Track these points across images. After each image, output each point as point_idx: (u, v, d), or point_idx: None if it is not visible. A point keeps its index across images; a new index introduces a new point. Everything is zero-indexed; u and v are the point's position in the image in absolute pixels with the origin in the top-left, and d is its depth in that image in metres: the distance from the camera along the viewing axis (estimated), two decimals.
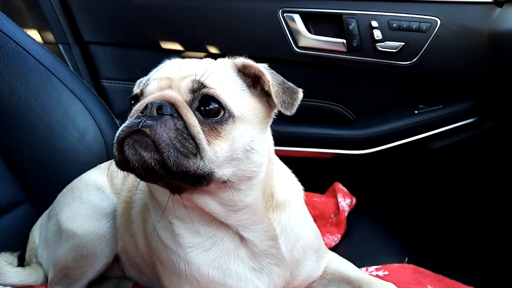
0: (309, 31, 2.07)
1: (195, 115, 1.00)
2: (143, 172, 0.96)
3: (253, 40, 2.15)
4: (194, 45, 2.23)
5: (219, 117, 1.01)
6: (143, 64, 2.27)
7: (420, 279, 1.40)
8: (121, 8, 2.24)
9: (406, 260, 1.54)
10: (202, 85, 1.02)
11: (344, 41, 2.03)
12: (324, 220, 1.87)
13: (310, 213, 1.82)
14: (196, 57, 2.18)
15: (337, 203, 1.93)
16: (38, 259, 1.62)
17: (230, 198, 1.08)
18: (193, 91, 1.02)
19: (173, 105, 0.99)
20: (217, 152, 0.99)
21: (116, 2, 2.25)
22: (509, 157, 2.05)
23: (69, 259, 1.43)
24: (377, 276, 1.42)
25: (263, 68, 1.10)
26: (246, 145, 1.04)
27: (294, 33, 2.08)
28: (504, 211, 2.20)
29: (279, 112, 1.12)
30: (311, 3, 2.07)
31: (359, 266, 1.40)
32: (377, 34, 1.99)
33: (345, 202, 1.92)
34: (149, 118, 0.95)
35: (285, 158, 1.84)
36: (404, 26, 1.97)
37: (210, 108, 1.01)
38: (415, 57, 2.00)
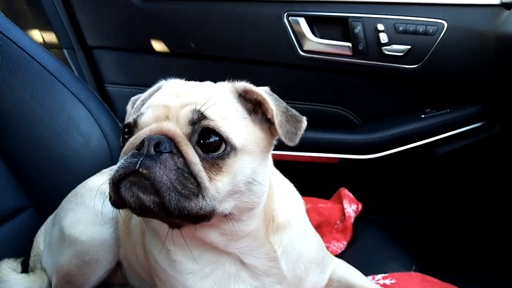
0: (315, 35, 2.06)
1: (195, 150, 0.94)
2: (141, 212, 0.92)
3: (258, 44, 2.14)
4: (198, 49, 2.22)
5: (220, 152, 0.95)
6: (148, 69, 2.31)
7: (428, 287, 1.38)
8: (125, 12, 2.24)
9: (413, 268, 1.52)
10: (202, 116, 0.95)
11: (350, 44, 2.02)
12: (330, 226, 1.85)
13: (316, 219, 1.82)
14: (200, 61, 2.22)
15: (343, 209, 1.91)
16: (43, 265, 1.61)
17: (231, 229, 1.05)
18: (193, 122, 0.95)
19: (171, 140, 0.93)
20: (219, 188, 0.95)
21: (120, 7, 2.24)
22: None
23: (71, 265, 1.42)
24: (383, 284, 1.40)
25: (265, 94, 1.04)
26: (248, 177, 0.99)
27: (299, 37, 2.07)
28: None
29: None
30: (316, 7, 2.05)
31: (366, 274, 1.38)
32: (383, 37, 1.97)
33: (351, 208, 1.90)
34: (146, 157, 0.89)
35: (290, 163, 1.83)
36: (411, 29, 1.95)
37: (210, 141, 0.95)
38: (421, 61, 1.97)
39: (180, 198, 0.88)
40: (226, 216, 1.00)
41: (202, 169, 0.93)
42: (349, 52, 2.03)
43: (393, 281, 1.41)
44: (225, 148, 0.95)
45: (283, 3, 2.07)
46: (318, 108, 2.24)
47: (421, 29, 1.94)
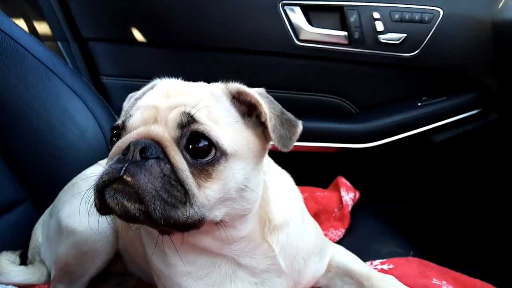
0: (310, 24, 2.05)
1: (184, 156, 0.90)
2: (127, 219, 0.90)
3: (254, 33, 2.13)
4: (193, 40, 2.20)
5: (209, 158, 0.91)
6: (142, 60, 2.30)
7: (426, 272, 1.39)
8: (119, 4, 2.22)
9: (411, 253, 1.53)
10: (191, 119, 0.91)
11: (346, 33, 2.01)
12: (328, 214, 1.85)
13: (313, 207, 1.82)
14: (196, 52, 2.21)
15: (340, 198, 1.91)
16: (41, 257, 1.61)
17: (224, 235, 1.01)
18: (182, 126, 0.91)
19: (159, 144, 0.90)
20: (209, 195, 0.91)
21: None
22: None
23: (70, 256, 1.42)
24: (382, 269, 1.41)
25: (259, 97, 1.00)
26: (240, 184, 0.95)
27: (294, 26, 2.06)
28: (508, 204, 2.18)
29: None
30: None
31: (364, 260, 1.39)
32: (379, 25, 1.97)
33: (349, 196, 1.91)
34: (132, 164, 0.86)
35: (287, 153, 1.82)
36: (406, 17, 1.95)
37: (199, 146, 0.91)
38: (417, 49, 1.98)
39: (166, 207, 0.85)
40: (217, 223, 0.98)
41: (190, 176, 0.89)
42: (345, 41, 2.03)
43: (391, 266, 1.42)
44: (215, 153, 0.91)
45: None
46: (314, 98, 2.24)
47: (417, 17, 1.94)
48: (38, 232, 1.65)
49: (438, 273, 1.39)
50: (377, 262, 1.47)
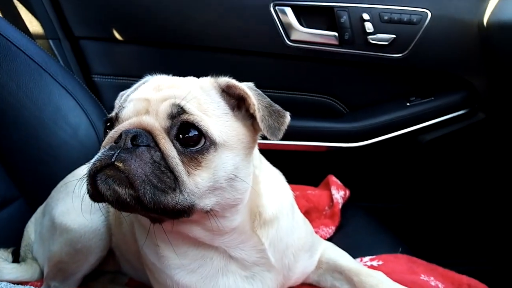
0: (301, 24, 2.07)
1: (174, 144, 0.93)
2: (119, 206, 0.91)
3: (245, 34, 2.15)
4: (185, 39, 2.21)
5: (199, 146, 0.94)
6: (135, 59, 2.30)
7: (414, 268, 1.42)
8: (111, 2, 2.21)
9: (399, 250, 1.55)
10: (181, 110, 0.95)
11: (336, 34, 2.03)
12: (318, 212, 1.88)
13: (304, 205, 1.84)
14: (187, 52, 2.21)
15: (331, 196, 1.94)
16: (34, 255, 1.61)
17: (214, 225, 1.03)
18: (172, 116, 0.95)
19: (149, 133, 0.93)
20: (198, 183, 0.93)
21: None
22: (500, 148, 2.07)
23: (63, 253, 1.42)
24: (371, 266, 1.44)
25: (248, 89, 1.03)
26: (229, 173, 0.98)
27: (286, 27, 2.07)
28: (494, 202, 2.22)
29: None
30: None
31: (354, 257, 1.42)
32: (369, 26, 1.99)
33: (339, 194, 1.93)
34: (123, 150, 0.89)
35: (278, 151, 1.84)
36: (395, 18, 1.98)
37: (189, 136, 0.94)
38: (406, 50, 2.01)
39: (156, 192, 0.87)
40: (208, 213, 1.00)
41: (180, 163, 0.92)
42: (335, 42, 2.05)
43: (380, 263, 1.45)
44: (205, 142, 0.94)
45: None
46: (305, 98, 2.26)
47: (405, 18, 1.97)
48: (31, 230, 1.65)
49: (426, 269, 1.42)
50: (366, 258, 1.50)
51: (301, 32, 2.07)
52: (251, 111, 1.03)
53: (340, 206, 1.88)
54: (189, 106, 0.96)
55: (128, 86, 1.22)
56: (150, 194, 0.87)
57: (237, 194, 1.02)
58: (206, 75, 1.14)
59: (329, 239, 1.69)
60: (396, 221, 2.22)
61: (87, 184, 0.93)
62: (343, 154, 2.18)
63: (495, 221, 2.26)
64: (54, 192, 1.58)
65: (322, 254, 1.38)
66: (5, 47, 1.73)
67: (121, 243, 1.48)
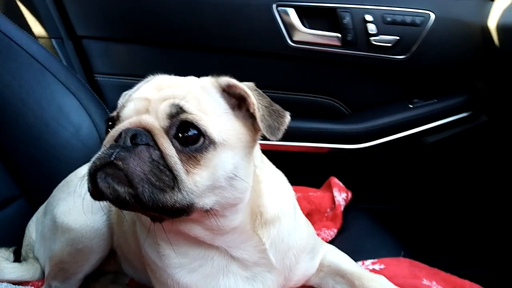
0: (304, 25, 2.06)
1: (173, 143, 0.94)
2: (119, 204, 0.92)
3: (248, 34, 2.14)
4: (188, 39, 2.21)
5: (198, 145, 0.94)
6: (137, 59, 2.30)
7: (416, 272, 1.41)
8: (114, 2, 2.22)
9: (402, 254, 1.55)
10: (181, 110, 0.95)
11: (339, 35, 2.03)
12: (320, 214, 1.87)
13: (306, 207, 1.84)
14: (190, 52, 2.21)
15: (333, 198, 1.93)
16: (35, 254, 1.61)
17: (215, 224, 1.03)
18: (171, 116, 0.95)
19: (149, 132, 0.93)
20: (197, 181, 0.93)
21: None
22: (503, 151, 2.07)
23: (65, 253, 1.42)
24: (373, 270, 1.43)
25: (248, 88, 1.03)
26: (229, 173, 0.98)
27: (288, 27, 2.07)
28: (498, 205, 2.21)
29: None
30: None
31: (356, 260, 1.41)
32: (372, 28, 1.99)
33: (341, 196, 1.92)
34: (122, 149, 0.90)
35: (280, 153, 1.84)
36: (399, 20, 1.97)
37: (188, 135, 0.94)
38: (409, 51, 2.00)
39: (154, 190, 0.88)
40: (208, 212, 1.00)
41: (179, 162, 0.92)
42: (338, 43, 2.05)
43: (382, 266, 1.44)
44: (204, 141, 0.95)
45: None
46: (307, 99, 2.25)
47: (408, 20, 1.96)
48: (32, 229, 1.65)
49: (428, 274, 1.41)
50: (368, 262, 1.49)
51: (304, 33, 2.07)
52: (251, 110, 1.03)
53: (342, 208, 1.87)
54: (188, 105, 0.96)
55: (130, 86, 1.21)
56: (149, 192, 0.87)
57: (237, 193, 1.02)
58: (208, 75, 1.14)
59: (331, 242, 1.69)
60: (399, 223, 2.21)
61: (88, 182, 0.93)
62: (345, 156, 2.17)
63: (498, 224, 2.25)
64: (55, 191, 1.58)
65: (324, 257, 1.37)
66: (8, 46, 1.73)
67: (122, 242, 1.48)
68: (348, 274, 1.29)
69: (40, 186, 1.74)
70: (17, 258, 1.64)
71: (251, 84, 1.08)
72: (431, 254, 1.93)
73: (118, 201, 0.91)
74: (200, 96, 1.01)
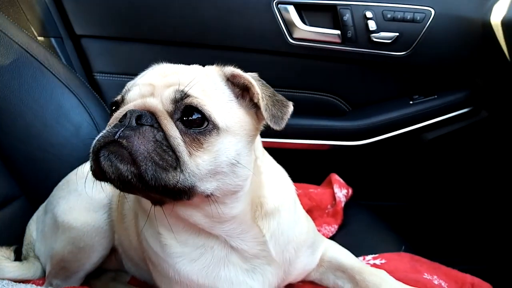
0: (304, 23, 2.06)
1: (177, 126, 0.96)
2: (120, 184, 0.92)
3: (248, 32, 2.14)
4: (187, 37, 2.21)
5: (202, 128, 0.96)
6: (136, 57, 2.29)
7: (417, 267, 1.41)
8: (113, 0, 2.21)
9: (402, 248, 1.55)
10: (185, 95, 0.97)
11: (339, 32, 2.02)
12: (321, 211, 1.87)
13: (307, 204, 1.84)
14: (189, 50, 2.21)
15: (333, 194, 1.93)
16: (35, 253, 1.61)
17: (215, 211, 1.04)
18: (176, 101, 0.97)
19: (153, 115, 0.95)
20: (199, 164, 0.95)
21: None
22: (503, 146, 2.06)
23: (66, 252, 1.43)
24: (374, 264, 1.43)
25: (252, 78, 1.05)
26: (231, 159, 0.99)
27: (288, 25, 2.07)
28: (498, 200, 2.21)
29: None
30: None
31: (357, 255, 1.41)
32: (372, 25, 1.99)
33: (342, 192, 1.92)
34: (127, 128, 0.91)
35: (281, 150, 1.83)
36: (399, 16, 1.97)
37: (192, 118, 0.96)
38: (409, 48, 2.00)
39: (157, 169, 0.89)
40: (208, 197, 1.01)
41: (182, 143, 0.94)
42: (338, 40, 2.04)
43: (383, 261, 1.44)
44: (207, 125, 0.96)
45: None
46: (307, 96, 2.25)
47: (409, 16, 1.96)
48: (32, 228, 1.65)
49: (429, 268, 1.41)
50: (369, 257, 1.49)
51: (304, 30, 2.07)
52: (255, 100, 1.05)
53: (342, 204, 1.87)
54: (193, 91, 0.98)
55: None
56: (152, 171, 0.88)
57: (238, 181, 1.04)
58: None
59: (332, 238, 1.69)
60: (399, 219, 2.21)
61: (91, 160, 0.94)
62: (345, 153, 2.17)
63: (498, 219, 2.24)
64: (56, 190, 1.59)
65: (324, 252, 1.37)
66: (8, 45, 1.73)
67: (124, 239, 1.48)
68: (349, 269, 1.30)
69: (40, 185, 1.74)
70: (18, 257, 1.64)
71: (254, 74, 1.10)
72: (431, 249, 1.93)
73: (120, 181, 0.91)
74: (205, 84, 1.03)
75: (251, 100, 1.07)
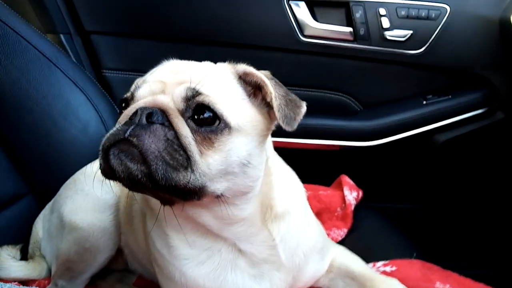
0: (315, 20, 2.03)
1: (188, 124, 0.93)
2: (130, 183, 0.91)
3: (258, 29, 2.11)
4: (197, 34, 2.19)
5: (213, 127, 0.94)
6: (146, 54, 2.28)
7: (429, 275, 1.37)
8: None
9: (414, 255, 1.51)
10: (197, 93, 0.95)
11: (351, 29, 1.99)
12: (330, 213, 1.84)
13: (316, 206, 1.81)
14: (199, 47, 2.19)
15: (343, 196, 1.89)
16: (41, 252, 1.61)
17: (224, 212, 1.03)
18: (187, 99, 0.95)
19: (164, 113, 0.93)
20: (210, 164, 0.93)
21: None
22: None
23: (71, 252, 1.42)
24: (384, 271, 1.40)
25: (265, 77, 1.03)
26: (242, 159, 0.97)
27: (299, 22, 2.03)
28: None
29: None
30: None
31: (367, 261, 1.38)
32: (385, 22, 1.95)
33: (352, 195, 1.89)
34: (137, 126, 0.89)
35: (291, 150, 1.81)
36: (413, 13, 1.93)
37: (204, 117, 0.94)
38: (424, 46, 1.96)
39: (168, 168, 0.87)
40: (218, 198, 0.99)
41: (193, 142, 0.92)
42: (350, 37, 2.01)
43: (393, 268, 1.41)
44: (219, 123, 0.94)
45: None
46: (318, 94, 2.22)
47: (423, 13, 1.92)
48: (39, 227, 1.65)
49: (442, 276, 1.38)
50: (380, 263, 1.45)
51: (315, 28, 2.03)
52: (268, 99, 1.02)
53: (352, 207, 1.83)
54: (205, 89, 0.96)
55: None
56: (162, 170, 0.87)
57: (249, 181, 1.02)
58: None
59: (341, 242, 1.66)
60: (410, 222, 2.17)
61: (100, 159, 0.92)
62: (356, 153, 2.14)
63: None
64: (62, 189, 1.58)
65: (334, 258, 1.35)
66: (15, 41, 1.72)
67: (131, 240, 1.47)
68: (359, 276, 1.27)
69: (47, 183, 1.74)
70: (24, 256, 1.64)
71: (267, 72, 1.07)
72: (443, 253, 1.89)
73: (129, 180, 0.89)
74: (217, 81, 1.01)
75: (263, 99, 1.05)
